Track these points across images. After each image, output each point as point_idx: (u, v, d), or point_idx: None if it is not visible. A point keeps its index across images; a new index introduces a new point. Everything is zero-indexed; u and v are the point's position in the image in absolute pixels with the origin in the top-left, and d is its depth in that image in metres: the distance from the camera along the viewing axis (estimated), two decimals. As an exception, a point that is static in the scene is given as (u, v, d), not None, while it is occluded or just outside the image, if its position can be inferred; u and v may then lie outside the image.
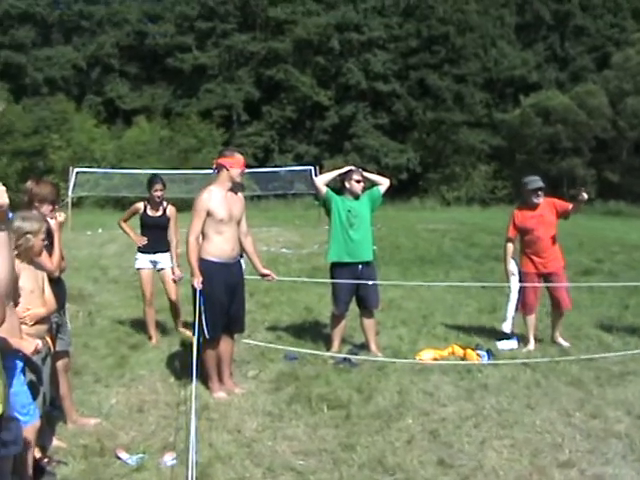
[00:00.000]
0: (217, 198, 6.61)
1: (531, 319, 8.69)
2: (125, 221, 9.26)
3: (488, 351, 8.11)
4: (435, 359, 7.93)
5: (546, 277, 8.63)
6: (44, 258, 5.04)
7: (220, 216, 6.57)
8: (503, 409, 6.28)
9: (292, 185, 35.18)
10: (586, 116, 40.68)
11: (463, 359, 7.94)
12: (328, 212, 8.36)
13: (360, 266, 8.18)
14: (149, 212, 8.99)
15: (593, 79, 44.31)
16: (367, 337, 8.34)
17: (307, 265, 15.80)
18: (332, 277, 8.33)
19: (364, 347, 8.36)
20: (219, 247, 6.61)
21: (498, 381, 7.11)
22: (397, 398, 6.58)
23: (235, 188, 6.79)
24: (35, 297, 4.66)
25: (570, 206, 8.55)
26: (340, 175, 8.45)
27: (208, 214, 6.57)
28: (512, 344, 8.62)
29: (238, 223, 6.80)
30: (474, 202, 41.35)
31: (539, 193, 8.57)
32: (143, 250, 9.00)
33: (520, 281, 8.73)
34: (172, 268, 8.87)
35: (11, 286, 3.11)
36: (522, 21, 49.99)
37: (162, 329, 9.58)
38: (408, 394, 6.69)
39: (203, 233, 6.66)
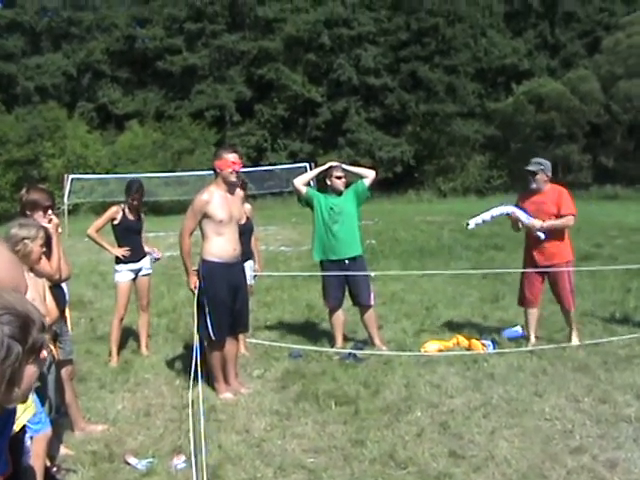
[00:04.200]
0: (217, 199, 6.57)
1: (531, 313, 8.21)
2: (98, 230, 8.23)
3: (493, 340, 8.09)
4: (440, 350, 7.91)
5: (547, 271, 8.07)
6: (43, 263, 4.99)
7: (220, 217, 6.53)
8: (511, 398, 6.26)
9: (288, 183, 35.10)
10: (579, 102, 40.54)
11: (468, 349, 7.91)
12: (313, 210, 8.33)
13: (347, 261, 8.15)
14: (129, 216, 8.27)
15: (584, 64, 44.13)
16: (369, 332, 8.30)
17: (307, 262, 15.71)
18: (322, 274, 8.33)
19: (368, 342, 8.33)
20: (221, 248, 6.58)
21: (505, 370, 7.08)
22: (404, 391, 6.56)
23: (231, 189, 6.74)
24: (37, 305, 4.60)
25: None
26: (321, 173, 8.41)
27: (207, 216, 6.54)
28: (516, 333, 8.58)
29: (238, 223, 6.78)
30: (470, 192, 41.22)
31: (529, 178, 8.06)
32: (127, 260, 8.21)
33: (522, 274, 8.34)
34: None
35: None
36: (511, 9, 49.75)
37: (164, 332, 9.56)
38: (415, 387, 6.66)
39: (203, 234, 6.63)
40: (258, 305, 10.74)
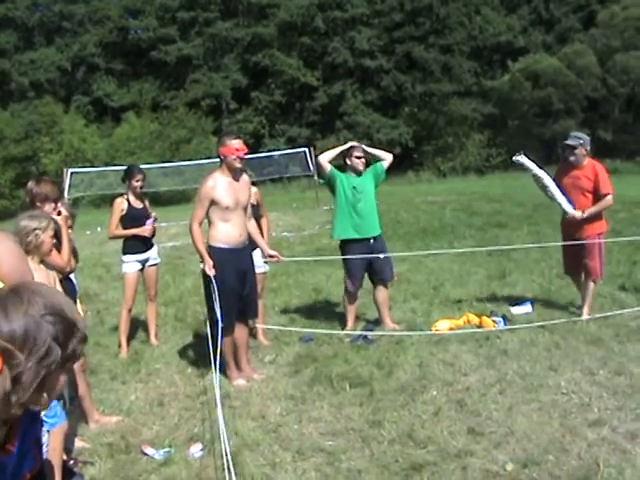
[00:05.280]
0: (222, 186, 6.53)
1: (577, 280, 8.36)
2: (116, 228, 8.10)
3: (503, 317, 8.06)
4: (451, 329, 7.89)
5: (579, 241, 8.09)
6: (54, 255, 4.95)
7: (226, 203, 6.49)
8: (526, 373, 6.24)
9: (287, 168, 35.04)
10: (576, 76, 40.39)
11: (479, 327, 7.88)
12: (333, 190, 8.31)
13: (371, 240, 8.15)
14: (134, 205, 8.12)
15: (580, 39, 43.88)
16: (381, 311, 8.28)
17: (310, 246, 15.76)
18: (344, 254, 8.28)
19: (378, 323, 8.31)
20: (227, 234, 6.55)
21: (517, 346, 7.06)
22: (418, 371, 6.54)
23: (235, 175, 6.69)
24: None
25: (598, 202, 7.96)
26: (342, 152, 8.39)
27: (214, 202, 6.50)
28: (526, 308, 8.56)
29: (245, 209, 6.73)
30: (470, 171, 41.09)
31: (568, 152, 8.04)
32: (134, 250, 8.11)
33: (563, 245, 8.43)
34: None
35: None
36: (504, -14, 49.65)
37: (173, 322, 9.53)
38: (429, 366, 6.64)
39: (210, 221, 6.60)
40: (264, 291, 10.70)
